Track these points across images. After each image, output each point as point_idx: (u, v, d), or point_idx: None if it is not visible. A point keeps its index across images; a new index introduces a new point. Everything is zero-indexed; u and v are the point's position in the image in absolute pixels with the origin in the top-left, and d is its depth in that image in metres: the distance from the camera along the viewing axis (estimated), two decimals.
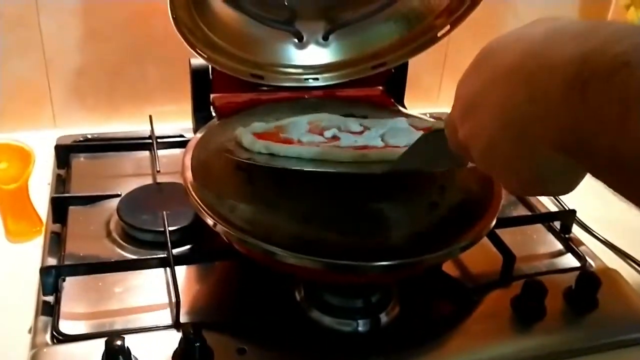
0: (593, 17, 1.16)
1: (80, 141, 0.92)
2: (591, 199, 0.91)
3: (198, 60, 0.79)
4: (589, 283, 0.68)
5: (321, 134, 0.71)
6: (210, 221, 0.61)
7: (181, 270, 0.70)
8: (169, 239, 0.69)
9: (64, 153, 0.87)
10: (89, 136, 0.94)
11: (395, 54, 0.83)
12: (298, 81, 0.82)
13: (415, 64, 1.03)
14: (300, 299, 0.66)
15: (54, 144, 0.91)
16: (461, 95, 0.45)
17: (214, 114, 0.82)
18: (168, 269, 0.68)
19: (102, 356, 0.54)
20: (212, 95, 0.82)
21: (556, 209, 0.88)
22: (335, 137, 0.70)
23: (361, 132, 0.72)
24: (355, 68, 0.84)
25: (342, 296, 0.66)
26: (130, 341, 0.55)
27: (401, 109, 0.86)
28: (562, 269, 0.76)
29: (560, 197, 0.89)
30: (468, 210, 0.68)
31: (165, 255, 0.67)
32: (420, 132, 0.70)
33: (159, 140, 0.90)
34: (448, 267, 0.73)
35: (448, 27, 0.80)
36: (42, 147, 0.90)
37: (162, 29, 0.95)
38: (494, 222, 0.65)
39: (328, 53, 0.84)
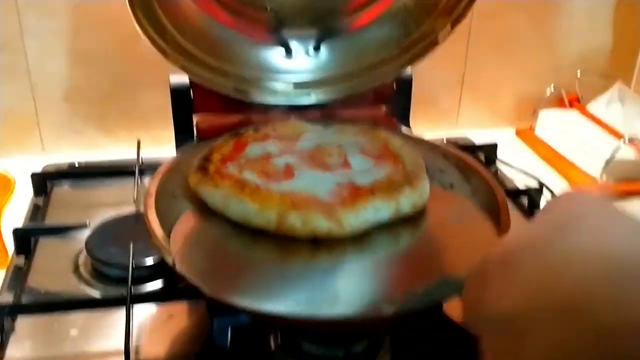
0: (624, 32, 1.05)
1: (63, 169, 0.87)
2: None
3: (177, 78, 0.73)
4: None
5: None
6: (169, 259, 0.54)
7: (145, 310, 0.63)
8: (130, 274, 0.62)
9: (42, 181, 0.82)
10: (76, 164, 0.89)
11: (395, 62, 0.75)
12: (287, 96, 0.75)
13: (431, 82, 0.96)
14: (276, 347, 0.58)
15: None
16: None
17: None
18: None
19: None
20: (195, 117, 0.76)
21: None
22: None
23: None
24: (352, 81, 0.76)
25: (323, 344, 0.57)
26: None
27: (405, 129, 0.77)
28: None
29: None
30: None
31: (122, 294, 0.60)
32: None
33: (147, 166, 0.84)
34: (453, 310, 0.63)
35: (449, 27, 0.71)
36: (28, 175, 0.85)
37: (154, 52, 0.90)
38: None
39: (320, 65, 0.76)
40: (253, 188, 0.58)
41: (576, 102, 1.04)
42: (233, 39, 0.72)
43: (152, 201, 0.60)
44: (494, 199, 0.64)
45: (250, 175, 0.61)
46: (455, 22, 0.70)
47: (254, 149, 0.67)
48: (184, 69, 0.69)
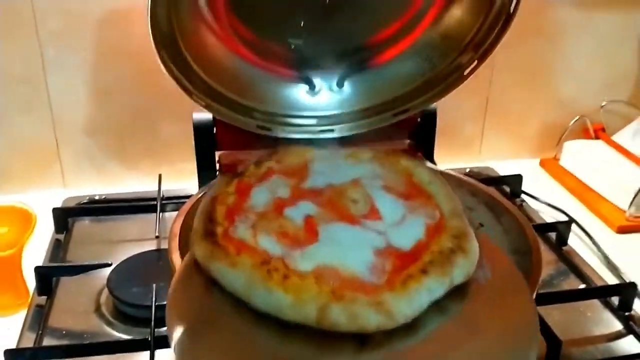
0: None
1: (84, 203, 0.87)
2: None
3: (201, 115, 0.73)
4: None
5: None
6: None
7: (169, 351, 0.61)
8: (153, 317, 0.61)
9: (63, 216, 0.81)
10: (97, 197, 0.89)
11: (419, 98, 0.74)
12: (310, 133, 0.73)
13: (453, 111, 0.94)
14: None
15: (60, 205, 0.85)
16: None
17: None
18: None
19: None
20: (218, 153, 0.75)
21: (615, 280, 0.75)
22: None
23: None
24: (375, 117, 0.74)
25: None
26: None
27: (430, 165, 0.76)
28: (622, 356, 0.63)
29: (619, 266, 0.77)
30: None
31: (145, 338, 0.59)
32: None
33: (168, 201, 0.84)
34: None
35: (475, 62, 0.70)
36: (48, 209, 0.84)
37: (174, 84, 0.89)
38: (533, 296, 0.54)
39: (343, 100, 0.75)
40: (281, 272, 0.48)
41: (601, 132, 1.02)
42: (257, 76, 0.71)
43: (176, 243, 0.60)
44: (524, 238, 0.63)
45: (268, 242, 0.52)
46: (482, 58, 0.69)
47: (260, 194, 0.60)
48: (208, 108, 0.68)
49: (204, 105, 0.67)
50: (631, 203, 0.86)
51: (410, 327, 0.47)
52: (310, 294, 0.47)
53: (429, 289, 0.48)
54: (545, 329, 0.61)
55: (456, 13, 0.71)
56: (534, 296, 0.55)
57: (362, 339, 0.46)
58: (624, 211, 0.87)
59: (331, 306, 0.46)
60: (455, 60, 0.72)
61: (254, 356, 0.46)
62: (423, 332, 0.48)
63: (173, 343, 0.46)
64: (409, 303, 0.47)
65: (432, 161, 0.79)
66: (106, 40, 0.87)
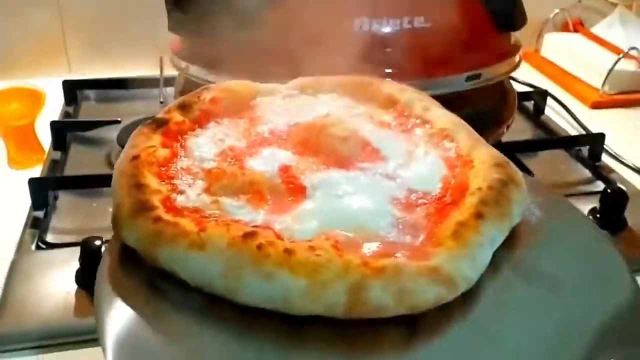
0: None
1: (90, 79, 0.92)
2: (619, 124, 0.86)
3: None
4: (615, 200, 0.61)
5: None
6: None
7: None
8: None
9: (72, 89, 0.86)
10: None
11: None
12: None
13: None
14: None
15: None
16: None
17: None
18: None
19: (79, 258, 0.52)
20: None
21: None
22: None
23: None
24: None
25: None
26: None
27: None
28: (589, 192, 0.69)
29: (584, 122, 0.83)
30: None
31: None
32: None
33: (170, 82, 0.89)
34: None
35: None
36: (56, 93, 0.89)
37: None
38: (504, 128, 0.60)
39: None
40: (279, 245, 0.34)
41: (580, 26, 1.07)
42: None
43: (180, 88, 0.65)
44: (502, 88, 0.68)
45: (238, 208, 0.38)
46: None
47: (201, 145, 0.44)
48: None
49: None
50: (604, 81, 0.91)
51: (465, 295, 0.35)
52: (332, 271, 0.33)
53: (491, 237, 0.37)
54: (515, 162, 0.67)
55: None
56: (506, 126, 0.61)
57: (410, 324, 0.33)
58: (598, 89, 0.92)
59: (368, 284, 0.33)
60: None
61: None
62: (485, 299, 0.35)
63: None
64: (471, 262, 0.35)
65: None
66: None
